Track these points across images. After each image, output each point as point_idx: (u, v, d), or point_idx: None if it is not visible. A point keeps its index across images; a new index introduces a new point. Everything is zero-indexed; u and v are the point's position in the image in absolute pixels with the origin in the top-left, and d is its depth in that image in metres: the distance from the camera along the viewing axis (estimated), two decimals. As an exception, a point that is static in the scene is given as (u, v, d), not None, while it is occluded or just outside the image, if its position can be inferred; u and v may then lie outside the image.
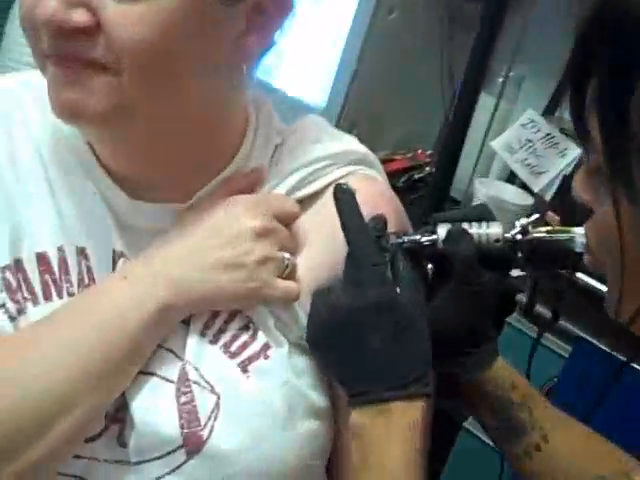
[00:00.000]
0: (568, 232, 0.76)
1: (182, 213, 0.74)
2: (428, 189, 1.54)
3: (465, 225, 0.77)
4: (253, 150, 0.77)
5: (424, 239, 0.76)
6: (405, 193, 1.76)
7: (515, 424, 0.81)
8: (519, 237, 0.77)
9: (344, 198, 0.71)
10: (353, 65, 1.68)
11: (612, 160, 0.57)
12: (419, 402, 0.69)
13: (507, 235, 0.76)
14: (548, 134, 1.53)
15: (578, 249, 0.74)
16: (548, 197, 1.44)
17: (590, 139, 0.58)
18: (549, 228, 0.78)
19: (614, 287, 0.64)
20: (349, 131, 1.70)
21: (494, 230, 0.76)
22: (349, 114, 1.71)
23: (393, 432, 0.69)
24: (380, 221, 0.74)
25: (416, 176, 1.81)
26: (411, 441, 0.69)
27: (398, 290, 0.71)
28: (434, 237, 0.76)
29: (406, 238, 0.76)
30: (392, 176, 1.76)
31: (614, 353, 1.15)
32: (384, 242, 0.75)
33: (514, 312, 0.87)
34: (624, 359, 1.12)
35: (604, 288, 1.13)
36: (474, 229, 0.76)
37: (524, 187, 1.52)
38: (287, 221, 0.75)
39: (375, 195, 0.77)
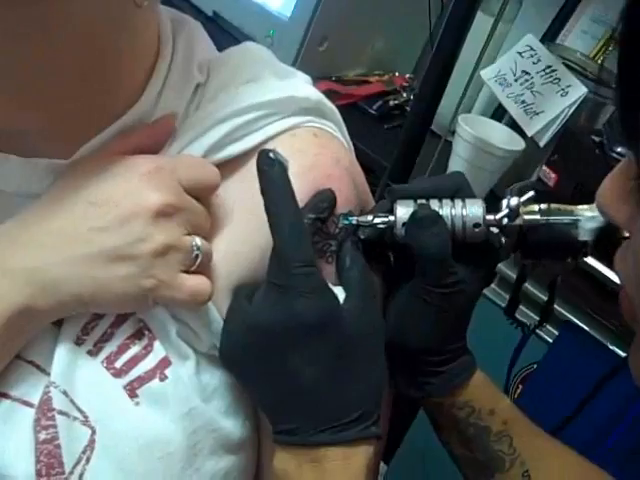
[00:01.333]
0: (571, 213, 0.60)
1: (60, 175, 0.54)
2: (406, 120, 1.33)
3: (435, 204, 0.60)
4: (164, 91, 0.58)
5: (378, 221, 0.60)
6: (378, 121, 1.60)
7: (490, 457, 0.65)
8: (505, 221, 0.60)
9: (271, 172, 0.53)
10: None
11: None
12: (363, 447, 0.55)
13: (490, 218, 0.59)
14: (549, 66, 1.32)
15: (583, 237, 0.60)
16: (543, 143, 1.24)
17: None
18: (544, 207, 0.61)
19: None
20: (318, 45, 1.53)
21: (473, 212, 0.59)
22: (319, 26, 1.52)
23: None
24: (327, 198, 0.58)
25: (392, 102, 1.62)
26: None
27: (341, 298, 0.55)
28: (391, 219, 0.59)
29: (355, 219, 0.59)
30: (365, 100, 1.62)
31: (608, 344, 0.98)
32: (332, 227, 0.58)
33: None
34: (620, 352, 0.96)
35: (599, 266, 0.98)
36: (447, 209, 0.59)
37: (515, 128, 1.32)
38: (202, 194, 0.57)
39: (326, 160, 0.60)
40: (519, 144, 1.28)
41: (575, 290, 1.03)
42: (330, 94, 1.64)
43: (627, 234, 0.46)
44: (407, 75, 1.73)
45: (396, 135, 1.37)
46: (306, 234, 0.54)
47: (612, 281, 1.02)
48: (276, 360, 0.53)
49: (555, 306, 1.04)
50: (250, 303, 0.55)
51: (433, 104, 1.26)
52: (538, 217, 0.60)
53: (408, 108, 1.58)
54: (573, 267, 0.66)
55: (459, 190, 0.61)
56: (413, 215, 0.58)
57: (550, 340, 1.03)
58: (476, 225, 0.59)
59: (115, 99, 0.55)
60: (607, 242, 0.59)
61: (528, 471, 0.65)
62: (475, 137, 1.24)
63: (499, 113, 1.49)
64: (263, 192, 0.53)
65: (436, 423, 0.68)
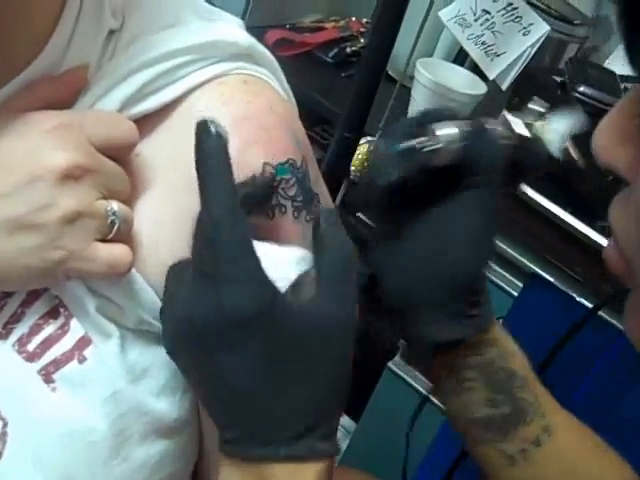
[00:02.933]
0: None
1: None
2: (360, 66, 1.27)
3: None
4: (73, 38, 0.52)
5: (432, 146, 0.55)
6: (335, 69, 1.56)
7: (515, 407, 0.60)
8: (525, 133, 0.59)
9: (207, 145, 0.47)
10: None
11: None
12: (311, 464, 0.47)
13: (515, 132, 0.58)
14: (510, 4, 1.26)
15: (554, 153, 0.60)
16: (505, 86, 1.19)
17: None
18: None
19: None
20: None
21: (503, 126, 0.59)
22: None
23: None
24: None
25: (349, 49, 1.58)
26: None
27: (304, 262, 0.49)
28: (442, 138, 0.55)
29: (410, 144, 0.55)
30: (320, 47, 1.57)
31: (574, 295, 0.95)
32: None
33: None
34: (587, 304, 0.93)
35: (570, 219, 0.95)
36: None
37: (476, 71, 1.27)
38: (118, 153, 0.51)
39: (259, 108, 0.54)
40: (481, 88, 1.23)
41: (540, 240, 0.99)
42: (284, 43, 1.59)
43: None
44: (364, 20, 1.68)
45: (353, 82, 1.32)
46: (241, 217, 0.46)
47: (579, 231, 0.99)
48: (207, 358, 0.46)
49: (520, 257, 1.00)
50: (182, 287, 0.48)
51: (386, 48, 1.20)
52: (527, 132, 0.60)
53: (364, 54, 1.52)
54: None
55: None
56: (473, 130, 0.55)
57: (516, 294, 1.00)
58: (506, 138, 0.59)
59: (16, 48, 0.49)
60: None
61: (549, 426, 0.60)
62: (434, 82, 1.19)
63: (461, 56, 1.43)
64: (197, 165, 0.47)
65: (458, 382, 0.61)
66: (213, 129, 0.46)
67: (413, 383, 1.15)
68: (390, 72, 1.45)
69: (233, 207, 0.45)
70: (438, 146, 0.56)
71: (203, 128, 0.46)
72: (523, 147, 0.61)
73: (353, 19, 1.66)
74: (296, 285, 0.48)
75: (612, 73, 1.09)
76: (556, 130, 0.61)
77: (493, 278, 0.98)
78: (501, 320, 1.01)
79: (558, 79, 1.06)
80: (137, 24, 0.54)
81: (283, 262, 0.48)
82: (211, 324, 0.45)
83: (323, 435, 0.47)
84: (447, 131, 0.56)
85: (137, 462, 0.53)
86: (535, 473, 0.61)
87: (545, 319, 0.94)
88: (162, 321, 0.50)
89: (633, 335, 0.44)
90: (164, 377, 0.54)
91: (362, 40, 1.60)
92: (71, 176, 0.47)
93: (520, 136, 0.61)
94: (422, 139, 0.57)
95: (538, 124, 0.62)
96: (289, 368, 0.46)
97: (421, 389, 1.13)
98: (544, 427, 0.60)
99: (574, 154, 0.61)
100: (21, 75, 0.49)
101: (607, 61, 1.33)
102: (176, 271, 0.50)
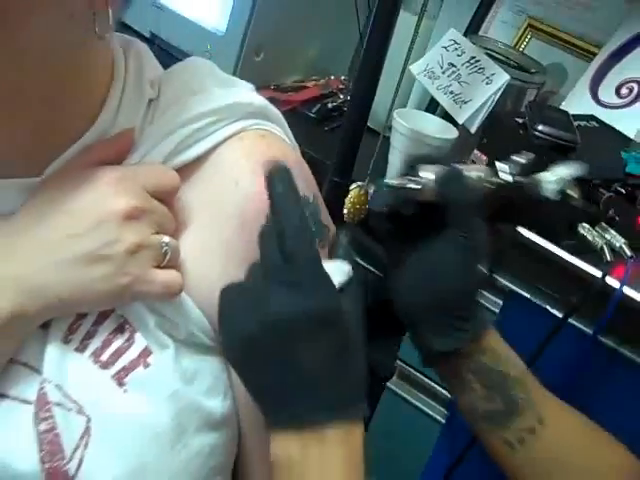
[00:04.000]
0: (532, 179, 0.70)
1: (33, 192, 0.59)
2: (343, 120, 1.39)
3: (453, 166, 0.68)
4: (120, 108, 0.63)
5: (409, 184, 0.66)
6: (319, 124, 1.64)
7: (511, 403, 0.71)
8: (509, 179, 0.70)
9: (281, 180, 0.58)
10: None
11: None
12: (358, 425, 0.59)
13: (499, 178, 0.69)
14: (473, 57, 1.39)
15: (553, 196, 0.70)
16: (474, 129, 1.31)
17: None
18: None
19: None
20: (254, 56, 1.58)
21: (486, 172, 0.69)
22: (253, 38, 1.55)
23: (336, 462, 0.57)
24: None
25: (330, 105, 1.66)
26: (355, 473, 0.58)
27: (335, 279, 0.60)
28: (423, 180, 0.66)
29: (392, 182, 0.66)
30: (304, 105, 1.66)
31: (548, 308, 1.06)
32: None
33: None
34: (559, 314, 1.04)
35: (540, 241, 1.06)
36: (464, 171, 0.68)
37: (447, 118, 1.39)
38: (165, 196, 0.63)
39: (276, 156, 0.65)
40: (452, 132, 1.35)
41: (517, 263, 1.11)
42: (270, 102, 1.69)
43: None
44: (342, 77, 1.77)
45: (337, 135, 1.43)
46: (314, 241, 0.58)
47: (551, 252, 1.10)
48: (287, 349, 0.56)
49: (500, 279, 1.12)
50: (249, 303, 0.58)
51: (368, 102, 1.30)
52: (522, 179, 0.70)
53: (345, 109, 1.63)
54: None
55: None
56: (446, 174, 0.66)
57: (497, 310, 1.11)
58: (492, 184, 0.68)
59: (75, 120, 0.61)
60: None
61: (542, 416, 0.70)
62: (410, 130, 1.30)
63: (433, 105, 1.53)
64: (271, 198, 0.58)
65: (461, 385, 0.72)
66: (280, 163, 0.58)
67: (412, 400, 1.25)
68: (369, 124, 1.57)
69: (307, 228, 0.57)
70: (418, 186, 0.67)
71: (272, 164, 0.58)
72: (514, 191, 0.71)
73: (332, 77, 1.75)
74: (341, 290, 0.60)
75: (566, 113, 1.21)
76: (555, 177, 0.70)
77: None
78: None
79: (520, 120, 1.19)
80: (170, 93, 0.66)
81: (332, 273, 0.59)
82: (299, 320, 0.55)
83: (362, 406, 0.59)
84: (427, 174, 0.67)
85: (194, 450, 0.62)
86: (534, 457, 0.71)
87: (524, 331, 1.04)
88: (233, 327, 0.58)
89: None
90: (210, 381, 0.64)
91: (341, 96, 1.68)
92: (131, 216, 0.58)
93: (503, 181, 0.69)
94: (406, 178, 0.68)
95: (542, 173, 0.71)
96: (344, 354, 0.58)
97: (420, 405, 1.24)
98: (538, 418, 0.70)
99: (573, 194, 0.72)
100: (81, 140, 0.60)
101: (563, 103, 1.46)
102: (229, 291, 0.59)
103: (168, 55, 1.58)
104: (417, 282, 0.69)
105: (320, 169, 1.52)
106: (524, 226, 0.73)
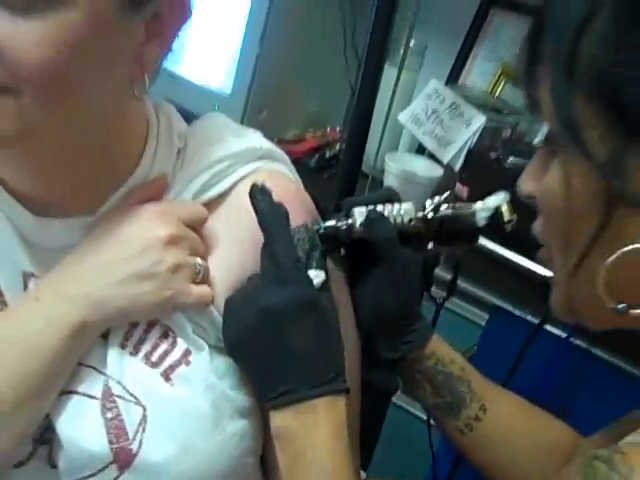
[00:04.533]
0: (469, 208, 0.80)
1: (90, 227, 0.73)
2: (339, 167, 1.54)
3: (379, 207, 0.79)
4: (156, 157, 0.76)
5: (341, 224, 0.78)
6: (318, 172, 1.76)
7: (456, 397, 0.84)
8: (430, 215, 0.80)
9: (262, 198, 0.72)
10: (256, 48, 1.67)
11: (561, 109, 0.55)
12: (342, 397, 0.70)
13: (419, 214, 0.79)
14: (453, 103, 1.55)
15: (480, 223, 0.80)
16: (457, 167, 1.46)
17: (541, 109, 0.58)
18: (456, 205, 0.81)
19: (561, 275, 0.62)
20: (258, 114, 1.73)
21: (407, 210, 0.79)
22: (256, 98, 1.69)
23: (323, 429, 0.69)
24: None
25: (328, 154, 1.80)
26: (341, 435, 0.70)
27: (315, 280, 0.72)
28: (350, 221, 0.78)
29: (323, 225, 0.78)
30: (304, 156, 1.79)
31: (529, 317, 1.20)
32: (294, 235, 0.74)
33: (432, 285, 0.90)
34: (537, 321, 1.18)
35: (520, 260, 1.20)
36: (387, 211, 0.79)
37: (433, 158, 1.54)
38: (195, 226, 0.75)
39: (282, 190, 0.77)
40: (438, 171, 1.50)
41: (500, 281, 1.25)
42: (274, 154, 1.82)
43: None
44: (337, 128, 1.92)
45: (335, 181, 1.56)
46: (294, 248, 0.71)
47: (531, 271, 1.25)
48: (277, 334, 0.68)
49: (484, 295, 1.26)
50: (246, 300, 0.71)
51: (360, 149, 1.43)
52: (450, 211, 0.80)
53: (342, 156, 1.77)
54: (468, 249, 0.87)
55: (391, 197, 0.81)
56: (368, 216, 0.78)
57: (483, 324, 1.25)
58: (410, 220, 0.79)
59: (121, 168, 0.74)
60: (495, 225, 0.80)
61: (484, 405, 0.83)
62: (401, 170, 1.45)
63: (421, 147, 1.69)
64: (257, 212, 0.71)
65: (412, 383, 0.86)
66: (260, 186, 0.72)
67: (413, 411, 1.38)
68: (364, 169, 1.71)
69: (287, 234, 0.71)
70: (345, 226, 0.78)
71: (254, 187, 0.72)
72: (447, 222, 0.80)
73: (328, 129, 1.90)
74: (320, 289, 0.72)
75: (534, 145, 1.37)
76: (486, 206, 0.80)
77: (462, 313, 1.23)
78: (475, 347, 1.26)
79: (494, 155, 1.34)
80: (195, 144, 0.79)
81: (312, 275, 0.72)
82: (285, 308, 0.68)
83: (343, 379, 0.70)
84: (357, 215, 0.78)
85: (229, 433, 0.73)
86: (482, 439, 0.84)
87: (510, 344, 1.17)
88: (233, 319, 0.71)
89: (554, 307, 0.64)
90: (236, 378, 0.75)
91: (337, 146, 1.82)
92: (171, 242, 0.71)
93: (424, 216, 0.79)
94: (336, 219, 0.79)
95: (477, 204, 0.80)
96: (325, 335, 0.70)
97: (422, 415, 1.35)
98: (480, 407, 0.84)
99: (507, 216, 0.79)
100: (126, 184, 0.74)
101: (535, 140, 1.61)
102: (232, 295, 0.73)
103: (183, 116, 1.71)
104: (365, 304, 0.82)
105: (323, 214, 1.66)
106: (469, 246, 0.85)
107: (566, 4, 0.54)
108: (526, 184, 0.63)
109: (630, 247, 0.54)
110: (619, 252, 0.54)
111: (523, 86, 0.60)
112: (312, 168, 1.78)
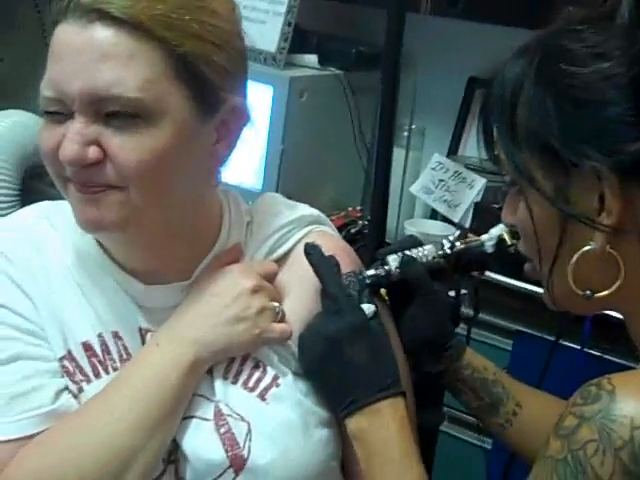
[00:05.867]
0: (478, 240, 0.98)
1: (188, 288, 0.91)
2: (365, 239, 1.71)
3: (407, 252, 0.96)
4: (231, 230, 0.93)
5: (379, 271, 0.95)
6: None
7: (494, 398, 0.99)
8: (448, 251, 0.98)
9: (314, 252, 0.89)
10: (279, 146, 1.87)
11: (513, 162, 0.73)
12: (400, 398, 0.85)
13: (439, 252, 0.97)
14: (456, 171, 1.75)
15: (489, 250, 0.96)
16: (467, 224, 1.66)
17: (501, 163, 0.77)
18: (467, 240, 0.99)
19: (544, 279, 0.78)
20: None
21: (430, 251, 0.97)
22: (284, 189, 1.83)
23: (391, 427, 0.82)
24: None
25: (352, 230, 1.95)
26: (406, 429, 0.83)
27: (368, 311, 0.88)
28: (387, 267, 0.95)
29: (367, 273, 0.94)
30: None
31: (550, 338, 1.37)
32: (345, 279, 0.91)
33: (460, 323, 1.06)
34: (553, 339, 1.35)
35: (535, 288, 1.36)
36: (414, 254, 0.96)
37: (446, 220, 1.74)
38: (270, 278, 0.92)
39: (331, 245, 0.94)
40: (452, 230, 1.69)
41: (521, 308, 1.44)
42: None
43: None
44: (358, 207, 2.10)
45: (361, 254, 1.73)
46: (343, 284, 0.88)
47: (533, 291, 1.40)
48: (339, 353, 0.83)
49: (507, 324, 1.43)
50: (313, 333, 0.86)
51: (382, 221, 1.64)
52: (462, 245, 0.98)
53: (366, 231, 1.91)
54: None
55: (415, 243, 0.98)
56: (401, 261, 0.94)
57: (510, 348, 1.43)
58: (434, 258, 0.96)
59: (205, 241, 0.91)
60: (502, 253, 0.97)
61: (519, 402, 0.98)
62: (420, 233, 1.63)
63: (434, 212, 1.89)
64: (312, 264, 0.87)
65: (456, 390, 1.00)
66: (312, 244, 0.89)
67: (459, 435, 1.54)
68: (387, 239, 1.89)
69: (339, 277, 0.88)
70: (384, 272, 0.94)
71: (307, 245, 0.88)
72: (464, 253, 0.96)
73: (350, 209, 2.07)
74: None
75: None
76: (491, 236, 0.96)
77: (488, 341, 1.40)
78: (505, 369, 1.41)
79: (496, 206, 1.54)
80: (259, 217, 0.96)
81: (365, 307, 0.89)
82: (341, 332, 0.84)
83: (400, 384, 0.84)
84: (391, 261, 0.94)
85: (316, 439, 0.86)
86: (522, 431, 0.98)
87: (534, 358, 1.34)
88: (303, 350, 0.86)
89: (548, 303, 0.80)
90: (315, 396, 0.89)
91: (360, 222, 1.98)
92: (255, 291, 0.87)
93: (444, 252, 0.95)
94: (375, 267, 0.94)
95: (484, 236, 0.97)
96: (379, 350, 0.85)
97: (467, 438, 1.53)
98: (516, 403, 0.98)
99: (508, 242, 0.95)
100: (210, 254, 0.90)
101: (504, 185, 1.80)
102: (305, 329, 0.88)
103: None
104: (408, 330, 0.95)
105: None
106: (484, 271, 1.00)
107: (501, 82, 0.75)
108: (506, 217, 0.82)
109: (583, 249, 0.73)
110: (577, 255, 0.73)
111: (484, 147, 0.78)
112: (341, 244, 1.94)
